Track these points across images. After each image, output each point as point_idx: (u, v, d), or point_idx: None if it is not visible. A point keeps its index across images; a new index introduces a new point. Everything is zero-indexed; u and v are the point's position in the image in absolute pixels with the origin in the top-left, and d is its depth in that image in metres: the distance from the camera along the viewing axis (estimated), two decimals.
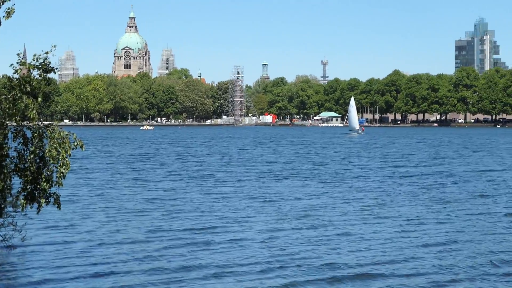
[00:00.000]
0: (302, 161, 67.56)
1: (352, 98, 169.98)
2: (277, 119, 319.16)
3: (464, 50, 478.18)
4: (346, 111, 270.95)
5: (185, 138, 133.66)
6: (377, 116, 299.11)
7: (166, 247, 22.61)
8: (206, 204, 33.41)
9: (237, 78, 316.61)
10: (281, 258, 20.98)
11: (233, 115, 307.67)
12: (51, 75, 20.31)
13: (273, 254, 21.52)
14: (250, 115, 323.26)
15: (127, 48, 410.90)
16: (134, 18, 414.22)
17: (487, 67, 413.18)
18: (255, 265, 20.08)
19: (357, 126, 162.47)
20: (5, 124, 19.79)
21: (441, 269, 19.88)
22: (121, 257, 21.12)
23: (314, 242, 23.66)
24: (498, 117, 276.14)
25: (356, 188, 41.29)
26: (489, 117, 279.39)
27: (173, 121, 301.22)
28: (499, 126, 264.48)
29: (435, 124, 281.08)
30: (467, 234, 25.59)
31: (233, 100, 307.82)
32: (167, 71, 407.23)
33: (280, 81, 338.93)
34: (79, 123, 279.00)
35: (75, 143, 20.16)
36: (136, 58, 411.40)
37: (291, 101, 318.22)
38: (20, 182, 20.31)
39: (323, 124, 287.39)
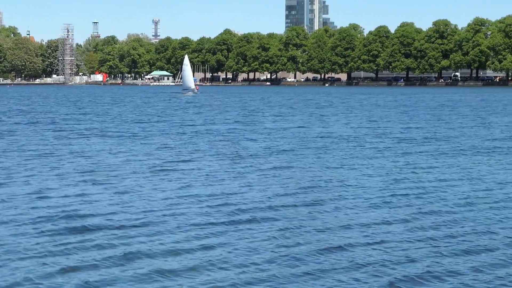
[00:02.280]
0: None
1: (186, 56, 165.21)
2: (108, 78, 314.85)
3: (294, 10, 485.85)
4: (178, 70, 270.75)
5: None
6: (208, 75, 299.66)
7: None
8: None
9: (67, 37, 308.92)
10: None
11: (63, 74, 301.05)
12: None
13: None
14: (80, 74, 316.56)
15: None
16: None
17: (316, 27, 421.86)
18: None
19: (192, 85, 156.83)
20: None
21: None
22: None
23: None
24: (327, 76, 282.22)
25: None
26: (318, 76, 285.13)
27: (1, 80, 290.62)
28: (327, 85, 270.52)
29: (268, 83, 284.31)
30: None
31: (63, 59, 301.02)
32: None
33: (111, 40, 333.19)
34: None
35: None
36: None
37: (122, 60, 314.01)
38: None
39: (155, 83, 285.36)
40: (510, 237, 18.00)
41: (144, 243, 16.92)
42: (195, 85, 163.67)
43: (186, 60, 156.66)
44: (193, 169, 30.04)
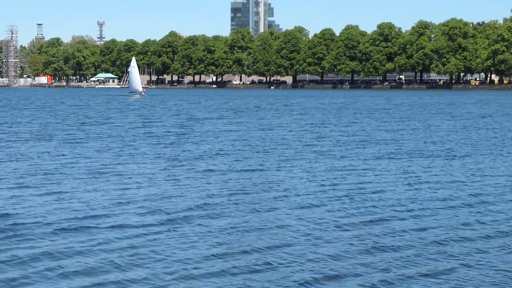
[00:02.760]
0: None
1: (134, 58, 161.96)
2: (53, 80, 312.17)
3: (239, 12, 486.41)
4: (123, 72, 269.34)
5: None
6: (154, 77, 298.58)
7: None
8: None
9: (11, 38, 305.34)
10: None
11: (7, 76, 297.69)
12: None
13: None
14: (25, 76, 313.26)
15: None
16: None
17: (261, 29, 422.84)
18: None
19: (140, 88, 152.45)
20: None
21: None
22: None
23: None
24: (272, 78, 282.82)
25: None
26: (264, 78, 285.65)
27: None
28: (273, 87, 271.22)
29: (214, 86, 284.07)
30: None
31: (7, 61, 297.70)
32: None
33: (56, 42, 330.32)
34: None
35: None
36: None
37: (67, 62, 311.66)
38: None
39: (100, 86, 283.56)
40: (439, 236, 18.46)
41: (74, 243, 16.98)
42: (142, 87, 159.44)
43: (134, 62, 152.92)
44: (130, 171, 30.03)
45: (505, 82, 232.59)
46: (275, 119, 71.12)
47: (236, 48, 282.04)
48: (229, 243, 17.30)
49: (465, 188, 26.39)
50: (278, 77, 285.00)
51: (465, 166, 32.97)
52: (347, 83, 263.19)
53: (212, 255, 16.14)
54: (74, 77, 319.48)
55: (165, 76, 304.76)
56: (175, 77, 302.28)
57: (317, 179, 28.20)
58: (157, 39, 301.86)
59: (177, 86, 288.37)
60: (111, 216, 20.23)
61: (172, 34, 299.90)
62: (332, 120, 70.19)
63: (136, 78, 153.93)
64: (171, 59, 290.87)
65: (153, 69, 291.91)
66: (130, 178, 27.89)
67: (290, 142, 44.85)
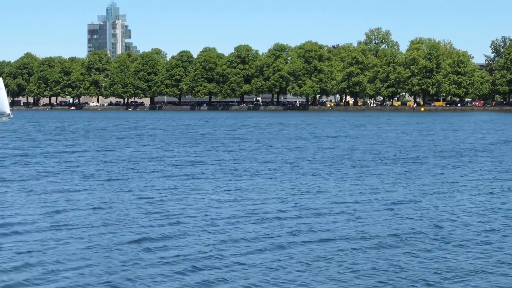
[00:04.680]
0: None
1: (1, 79, 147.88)
2: None
3: (96, 34, 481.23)
4: None
5: None
6: (9, 99, 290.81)
7: None
8: None
9: None
10: None
11: None
12: None
13: None
14: None
15: None
16: None
17: (119, 51, 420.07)
18: None
19: (8, 110, 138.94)
20: None
21: None
22: None
23: None
24: (130, 100, 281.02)
25: None
26: (122, 100, 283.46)
27: None
28: (130, 109, 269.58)
29: (73, 108, 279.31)
30: None
31: None
32: None
33: None
34: None
35: None
36: None
37: None
38: None
39: None
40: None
41: None
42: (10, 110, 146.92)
43: (1, 83, 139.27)
44: None
45: (359, 103, 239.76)
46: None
47: (93, 70, 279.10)
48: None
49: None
50: (136, 99, 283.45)
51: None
52: (204, 104, 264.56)
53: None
54: None
55: (20, 98, 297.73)
56: (30, 99, 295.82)
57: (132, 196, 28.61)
58: (12, 61, 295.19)
59: (33, 108, 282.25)
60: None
61: (28, 55, 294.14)
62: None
63: (4, 100, 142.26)
64: (26, 81, 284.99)
65: (8, 91, 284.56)
66: None
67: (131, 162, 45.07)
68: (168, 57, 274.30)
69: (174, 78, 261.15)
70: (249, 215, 24.91)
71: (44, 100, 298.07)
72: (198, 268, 17.33)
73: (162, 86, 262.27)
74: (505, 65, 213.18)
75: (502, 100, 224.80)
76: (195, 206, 27.11)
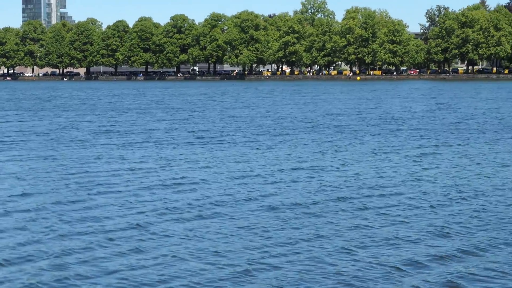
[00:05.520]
0: None
1: None
2: None
3: (31, 4, 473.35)
4: None
5: None
6: None
7: None
8: None
9: None
10: None
11: None
12: None
13: None
14: None
15: None
16: None
17: (54, 21, 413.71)
18: None
19: None
20: None
21: None
22: None
23: None
24: (66, 70, 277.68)
25: None
26: (57, 70, 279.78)
27: None
28: (66, 79, 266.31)
29: (9, 78, 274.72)
30: None
31: None
32: None
33: None
34: None
35: None
36: None
37: None
38: None
39: None
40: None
41: None
42: None
43: None
44: None
45: (296, 73, 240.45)
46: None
47: (28, 40, 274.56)
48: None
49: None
50: (72, 69, 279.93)
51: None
52: (141, 74, 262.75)
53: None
54: None
55: None
56: None
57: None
58: None
59: None
60: None
61: None
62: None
63: None
64: None
65: None
66: None
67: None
68: (104, 27, 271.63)
69: (110, 48, 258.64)
70: (170, 184, 24.98)
71: None
72: (113, 239, 17.34)
73: (98, 56, 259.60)
74: (440, 34, 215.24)
75: (437, 68, 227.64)
76: (118, 175, 27.08)
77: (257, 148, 36.29)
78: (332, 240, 17.25)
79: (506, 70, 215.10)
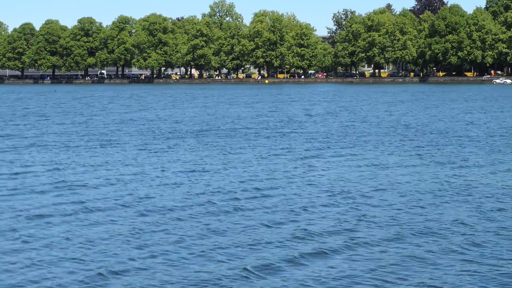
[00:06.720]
0: None
1: None
2: None
3: None
4: None
5: None
6: None
7: None
8: None
9: None
10: None
11: None
12: None
13: None
14: None
15: None
16: None
17: None
18: None
19: None
20: None
21: None
22: None
23: None
24: None
25: None
26: None
27: None
28: None
29: None
30: None
31: None
32: None
33: None
34: None
35: None
36: None
37: None
38: None
39: None
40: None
41: None
42: None
43: None
44: None
45: (204, 76, 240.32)
46: None
47: None
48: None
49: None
50: None
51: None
52: (48, 78, 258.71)
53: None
54: None
55: None
56: None
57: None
58: None
59: None
60: None
61: None
62: None
63: None
64: None
65: None
66: None
67: None
68: (10, 30, 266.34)
69: (16, 51, 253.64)
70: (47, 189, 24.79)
71: None
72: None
73: (4, 59, 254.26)
74: (347, 38, 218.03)
75: (344, 71, 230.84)
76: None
77: (146, 151, 36.28)
78: (194, 243, 17.40)
79: (412, 74, 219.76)
